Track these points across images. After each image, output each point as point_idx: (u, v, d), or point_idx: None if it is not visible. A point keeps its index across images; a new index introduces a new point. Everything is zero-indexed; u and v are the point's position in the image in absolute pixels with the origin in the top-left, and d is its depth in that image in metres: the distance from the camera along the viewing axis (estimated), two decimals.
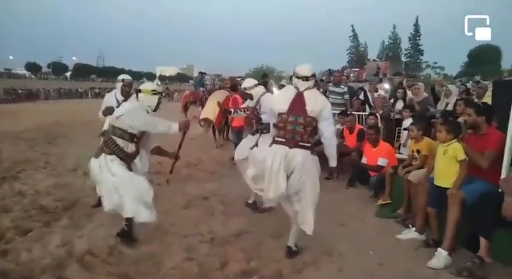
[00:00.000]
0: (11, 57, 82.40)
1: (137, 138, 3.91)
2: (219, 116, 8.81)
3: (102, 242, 3.80)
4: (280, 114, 3.62)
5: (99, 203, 4.60)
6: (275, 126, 3.75)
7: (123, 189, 3.66)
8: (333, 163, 3.86)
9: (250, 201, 5.04)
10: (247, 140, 4.96)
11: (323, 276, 3.33)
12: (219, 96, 9.48)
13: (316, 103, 3.58)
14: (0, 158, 8.12)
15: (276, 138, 3.63)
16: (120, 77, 5.35)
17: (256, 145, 4.58)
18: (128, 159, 3.89)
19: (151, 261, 3.50)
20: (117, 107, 4.68)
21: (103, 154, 3.81)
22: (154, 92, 3.95)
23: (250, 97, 4.89)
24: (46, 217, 4.56)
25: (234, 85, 9.39)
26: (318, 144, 5.17)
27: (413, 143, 4.94)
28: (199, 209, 5.04)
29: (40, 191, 5.60)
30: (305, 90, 3.62)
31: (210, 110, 9.42)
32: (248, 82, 4.99)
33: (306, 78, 3.64)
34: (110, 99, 5.20)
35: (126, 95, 5.07)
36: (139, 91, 3.95)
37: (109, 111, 4.79)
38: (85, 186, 5.48)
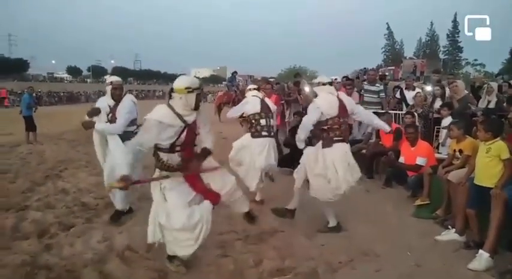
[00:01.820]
0: (53, 62, 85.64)
1: (180, 146, 3.23)
2: None
3: (141, 239, 3.88)
4: (332, 118, 4.12)
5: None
6: (322, 129, 4.15)
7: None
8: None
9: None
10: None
11: (359, 276, 3.29)
12: None
13: (351, 102, 4.43)
14: (43, 157, 8.53)
15: (335, 138, 4.11)
16: (108, 79, 4.64)
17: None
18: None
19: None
20: (108, 114, 4.44)
21: (157, 170, 3.32)
22: (189, 90, 3.15)
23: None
24: (88, 214, 4.76)
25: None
26: (353, 143, 5.34)
27: (455, 142, 4.77)
28: None
29: (82, 189, 5.83)
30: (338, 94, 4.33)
31: None
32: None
33: (330, 83, 4.37)
34: (101, 103, 4.61)
35: (118, 98, 4.49)
36: (172, 90, 3.21)
37: (95, 111, 4.47)
38: None
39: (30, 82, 37.04)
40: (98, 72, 79.03)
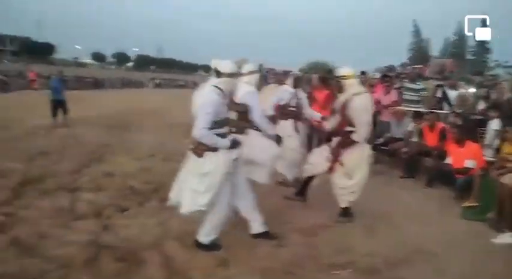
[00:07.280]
0: (78, 47, 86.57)
1: None
2: None
3: (196, 224, 3.93)
4: None
5: None
6: None
7: None
8: None
9: None
10: None
11: (420, 274, 3.28)
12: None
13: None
14: (82, 141, 8.56)
15: None
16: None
17: None
18: None
19: (245, 246, 3.59)
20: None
21: None
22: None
23: None
24: (139, 197, 4.79)
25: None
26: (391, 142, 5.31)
27: (508, 145, 4.69)
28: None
29: (127, 173, 5.86)
30: None
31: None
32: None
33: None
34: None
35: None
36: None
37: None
38: (166, 171, 5.48)
39: (57, 66, 37.50)
40: (121, 59, 79.77)
